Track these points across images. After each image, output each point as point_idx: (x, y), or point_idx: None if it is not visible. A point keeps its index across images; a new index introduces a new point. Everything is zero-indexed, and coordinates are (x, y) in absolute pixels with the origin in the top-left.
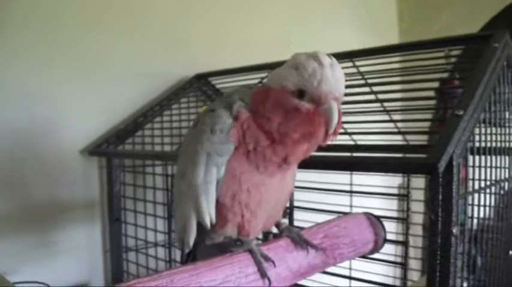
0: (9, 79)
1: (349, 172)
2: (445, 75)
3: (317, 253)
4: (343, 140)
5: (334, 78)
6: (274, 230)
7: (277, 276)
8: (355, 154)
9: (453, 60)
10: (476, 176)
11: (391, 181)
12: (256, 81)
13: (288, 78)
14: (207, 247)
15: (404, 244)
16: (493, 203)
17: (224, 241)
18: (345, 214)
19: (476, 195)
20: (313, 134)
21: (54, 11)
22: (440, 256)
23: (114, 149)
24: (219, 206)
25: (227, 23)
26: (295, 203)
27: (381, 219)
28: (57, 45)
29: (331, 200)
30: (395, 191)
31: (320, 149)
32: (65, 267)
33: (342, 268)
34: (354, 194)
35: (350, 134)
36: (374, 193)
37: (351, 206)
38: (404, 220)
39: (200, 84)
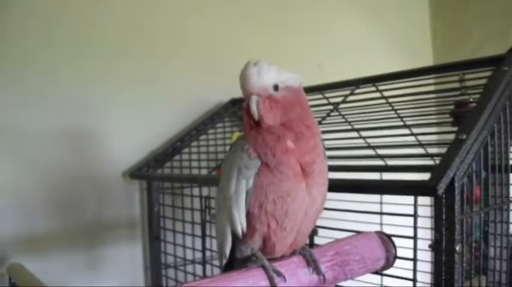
0: (63, 104)
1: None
2: (459, 98)
3: (328, 269)
4: (373, 159)
5: (243, 78)
6: None
7: None
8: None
9: (468, 83)
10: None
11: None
12: None
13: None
14: (239, 261)
15: (413, 260)
16: None
17: (245, 256)
18: (358, 232)
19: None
20: (248, 124)
21: (102, 38)
22: (445, 273)
23: (153, 173)
24: (249, 216)
25: (260, 47)
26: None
27: (392, 236)
28: (102, 71)
29: (347, 217)
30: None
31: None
32: (109, 282)
33: (357, 281)
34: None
35: (380, 156)
36: (376, 212)
37: (381, 224)
38: (413, 238)
39: (235, 109)
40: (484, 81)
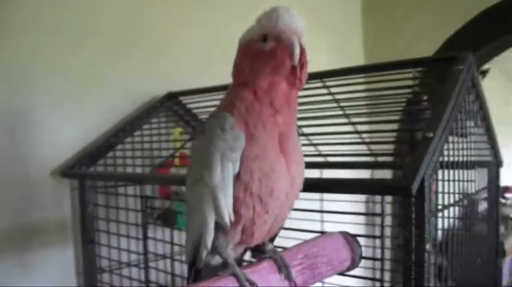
0: None
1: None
2: (410, 96)
3: (298, 273)
4: (312, 155)
5: (289, 16)
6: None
7: None
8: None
9: (418, 81)
10: (446, 190)
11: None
12: None
13: (251, 31)
14: (208, 268)
15: (381, 260)
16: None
17: (212, 264)
18: (321, 232)
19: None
20: (280, 67)
21: (27, 30)
22: (414, 272)
23: (86, 171)
24: (234, 201)
25: (195, 38)
26: None
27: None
28: (29, 62)
29: (302, 216)
30: (363, 205)
31: None
32: None
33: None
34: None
35: (323, 155)
36: (347, 212)
37: (321, 221)
38: (379, 237)
39: (171, 104)
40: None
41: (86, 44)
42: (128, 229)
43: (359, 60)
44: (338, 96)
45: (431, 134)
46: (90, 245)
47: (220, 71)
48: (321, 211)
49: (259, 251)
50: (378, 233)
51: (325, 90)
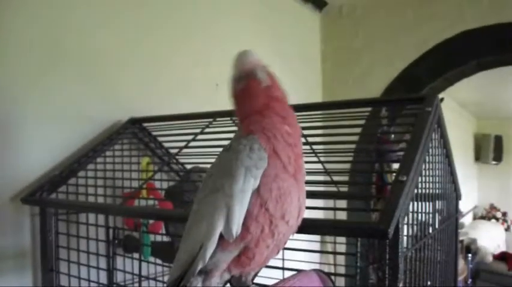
0: None
1: None
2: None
3: None
4: None
5: (249, 55)
6: None
7: None
8: None
9: (385, 119)
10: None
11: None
12: (190, 127)
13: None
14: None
15: None
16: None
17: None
18: (295, 270)
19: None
20: (259, 94)
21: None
22: None
23: (48, 198)
24: (246, 216)
25: (159, 65)
26: None
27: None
28: None
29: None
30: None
31: None
32: None
33: None
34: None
35: None
36: (322, 251)
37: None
38: (353, 276)
39: (135, 129)
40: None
41: (48, 68)
42: (88, 257)
43: (317, 86)
44: (305, 132)
45: (404, 177)
46: (50, 274)
47: (178, 97)
48: (292, 249)
49: None
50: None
51: None
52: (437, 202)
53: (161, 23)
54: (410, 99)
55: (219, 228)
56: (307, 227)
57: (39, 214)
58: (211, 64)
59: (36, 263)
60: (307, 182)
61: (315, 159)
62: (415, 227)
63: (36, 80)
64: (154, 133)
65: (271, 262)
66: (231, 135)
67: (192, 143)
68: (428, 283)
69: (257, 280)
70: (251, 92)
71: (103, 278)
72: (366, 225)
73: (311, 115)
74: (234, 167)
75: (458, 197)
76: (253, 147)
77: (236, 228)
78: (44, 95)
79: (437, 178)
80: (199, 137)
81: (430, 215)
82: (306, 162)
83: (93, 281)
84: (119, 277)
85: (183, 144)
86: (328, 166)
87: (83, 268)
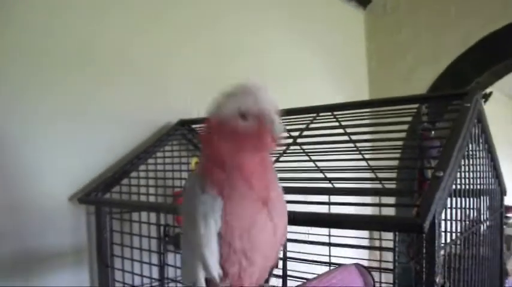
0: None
1: None
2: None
3: None
4: (320, 181)
5: (266, 94)
6: None
7: None
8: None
9: (425, 115)
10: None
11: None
12: None
13: (224, 106)
14: None
15: None
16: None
17: None
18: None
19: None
20: (262, 145)
21: (42, 54)
22: None
23: (102, 198)
24: (220, 258)
25: (204, 69)
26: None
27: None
28: (44, 92)
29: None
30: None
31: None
32: None
33: None
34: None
35: (331, 181)
36: (362, 246)
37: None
38: (392, 270)
39: (184, 131)
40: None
41: (102, 74)
42: (141, 254)
43: (363, 83)
44: (349, 130)
45: (441, 173)
46: (106, 270)
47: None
48: (333, 245)
49: None
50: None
51: (335, 123)
52: (479, 197)
53: (209, 24)
54: (453, 95)
55: (202, 274)
56: (343, 222)
57: (95, 213)
58: (262, 66)
59: (93, 259)
60: (353, 179)
61: (359, 156)
62: (454, 222)
63: (92, 87)
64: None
65: (318, 258)
66: None
67: None
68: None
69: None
70: (251, 139)
71: (155, 273)
72: (402, 219)
73: (356, 113)
74: (192, 214)
75: (503, 192)
76: (204, 189)
77: (215, 270)
78: (98, 101)
79: (478, 173)
80: None
81: (472, 210)
82: (350, 159)
83: (145, 276)
84: (170, 273)
85: None
86: (374, 163)
87: (136, 264)
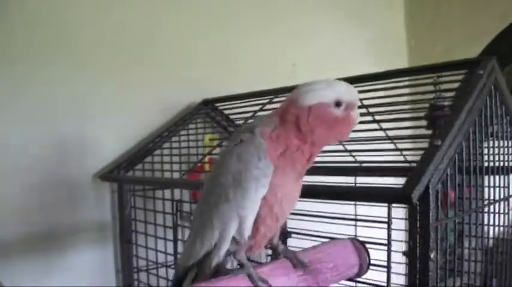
0: (28, 104)
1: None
2: (433, 101)
3: (300, 279)
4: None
5: (355, 91)
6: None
7: None
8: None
9: (443, 86)
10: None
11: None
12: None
13: (320, 93)
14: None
15: (387, 268)
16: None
17: (227, 266)
18: (332, 239)
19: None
20: (345, 134)
21: (71, 40)
22: (419, 280)
23: (123, 176)
24: (256, 218)
25: (233, 47)
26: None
27: (366, 243)
28: (71, 74)
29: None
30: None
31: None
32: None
33: None
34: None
35: (358, 161)
36: (352, 218)
37: (355, 235)
38: (386, 245)
39: (208, 110)
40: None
41: (123, 54)
42: (165, 231)
43: (403, 63)
44: (365, 103)
45: (439, 142)
46: (127, 246)
47: (252, 78)
48: (332, 217)
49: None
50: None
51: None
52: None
53: (233, 2)
54: (468, 63)
55: (232, 234)
56: (335, 194)
57: (118, 190)
58: (288, 44)
59: (116, 235)
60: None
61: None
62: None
63: (115, 68)
64: (227, 112)
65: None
66: None
67: None
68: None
69: None
70: (340, 125)
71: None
72: (391, 190)
73: (376, 84)
74: (243, 179)
75: None
76: (260, 156)
77: (247, 233)
78: (122, 81)
79: (496, 149)
80: None
81: (486, 188)
82: (369, 130)
83: (169, 254)
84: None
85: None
86: (392, 133)
87: (160, 241)
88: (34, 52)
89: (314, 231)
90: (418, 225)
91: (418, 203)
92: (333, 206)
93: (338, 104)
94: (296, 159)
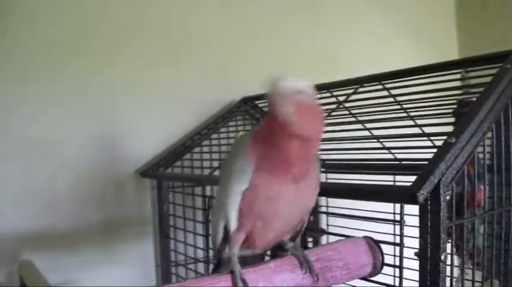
0: (79, 107)
1: None
2: (462, 97)
3: (305, 276)
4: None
5: (282, 81)
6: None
7: None
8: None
9: (473, 81)
10: None
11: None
12: None
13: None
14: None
15: (399, 268)
16: None
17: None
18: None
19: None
20: (316, 124)
21: (111, 39)
22: (429, 282)
23: (162, 172)
24: (240, 212)
25: (273, 45)
26: None
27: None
28: (112, 73)
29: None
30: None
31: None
32: (120, 279)
33: None
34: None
35: (398, 159)
36: (367, 217)
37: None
38: (398, 245)
39: (247, 108)
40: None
41: (164, 53)
42: (202, 226)
43: (454, 56)
44: (398, 99)
45: (453, 139)
46: (166, 240)
47: (293, 75)
48: (344, 216)
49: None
50: None
51: (385, 93)
52: None
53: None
54: (496, 56)
55: (221, 226)
56: (342, 193)
57: (157, 186)
58: (329, 39)
59: (156, 230)
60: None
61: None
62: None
63: (155, 65)
64: (267, 109)
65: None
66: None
67: None
68: None
69: None
70: (272, 123)
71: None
72: (398, 188)
73: (403, 81)
74: (226, 174)
75: None
76: (239, 154)
77: (232, 222)
78: (162, 78)
79: None
80: None
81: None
82: (404, 126)
83: (198, 247)
84: None
85: None
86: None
87: (199, 237)
88: (90, 52)
89: (349, 229)
90: (429, 225)
91: (429, 202)
92: (373, 205)
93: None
94: (280, 159)
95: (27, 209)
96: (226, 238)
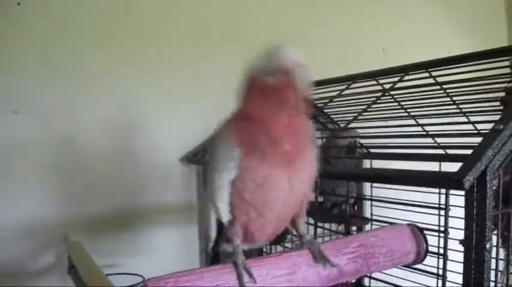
0: (119, 88)
1: None
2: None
3: (349, 261)
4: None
5: (292, 52)
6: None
7: None
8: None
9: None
10: None
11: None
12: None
13: (257, 65)
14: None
15: (443, 256)
16: None
17: (227, 252)
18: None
19: None
20: (285, 99)
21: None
22: (474, 271)
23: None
24: (231, 204)
25: (320, 33)
26: None
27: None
28: (163, 57)
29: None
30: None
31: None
32: (164, 263)
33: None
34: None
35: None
36: (409, 203)
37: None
38: (443, 232)
39: None
40: None
41: (211, 40)
42: None
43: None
44: (445, 86)
45: (501, 126)
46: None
47: (340, 65)
48: (389, 202)
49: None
50: None
51: (431, 80)
52: None
53: None
54: None
55: (213, 216)
56: (389, 178)
57: (203, 172)
58: (377, 28)
59: (201, 216)
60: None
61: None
62: None
63: (202, 57)
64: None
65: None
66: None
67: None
68: None
69: None
70: (276, 94)
71: None
72: (443, 174)
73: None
74: (213, 162)
75: None
76: (220, 140)
77: (224, 215)
78: (203, 70)
79: None
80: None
81: None
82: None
83: None
84: None
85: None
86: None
87: None
88: (134, 46)
89: (395, 219)
90: (474, 213)
91: (475, 190)
92: (418, 195)
93: (271, 73)
94: (269, 136)
95: (75, 195)
96: (221, 231)
